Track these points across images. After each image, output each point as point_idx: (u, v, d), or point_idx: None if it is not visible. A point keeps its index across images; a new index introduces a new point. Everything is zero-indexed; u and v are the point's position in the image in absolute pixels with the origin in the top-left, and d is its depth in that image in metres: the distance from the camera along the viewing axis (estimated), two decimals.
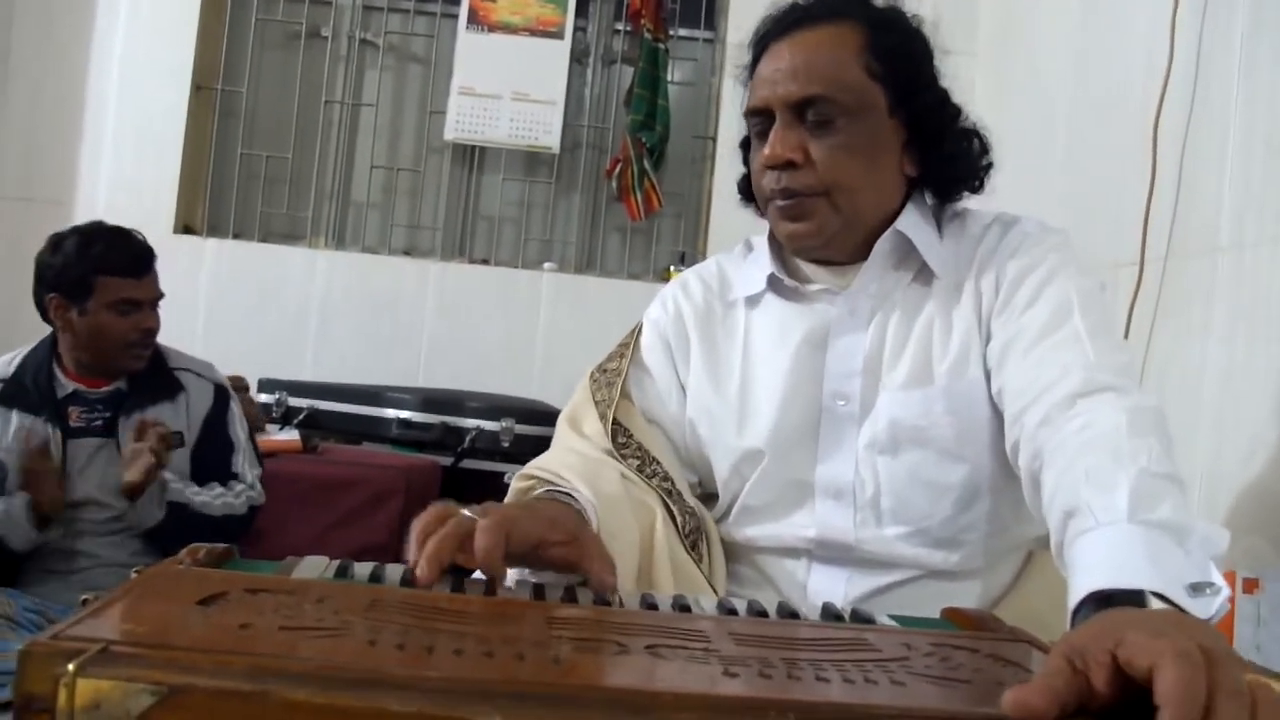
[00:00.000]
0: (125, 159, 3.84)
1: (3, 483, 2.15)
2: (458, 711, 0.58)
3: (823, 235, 1.19)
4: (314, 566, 0.90)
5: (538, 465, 1.18)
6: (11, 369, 2.24)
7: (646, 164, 3.91)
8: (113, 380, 2.27)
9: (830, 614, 0.90)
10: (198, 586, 0.76)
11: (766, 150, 1.18)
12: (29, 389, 2.20)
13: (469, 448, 3.20)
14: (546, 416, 3.35)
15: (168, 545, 2.21)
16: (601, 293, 3.84)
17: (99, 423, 2.19)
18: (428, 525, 0.89)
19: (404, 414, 3.26)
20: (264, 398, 3.30)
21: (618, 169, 3.94)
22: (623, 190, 3.94)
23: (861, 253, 1.21)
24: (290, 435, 3.03)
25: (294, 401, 3.32)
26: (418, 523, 0.90)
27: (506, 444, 3.21)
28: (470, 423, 3.23)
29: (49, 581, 2.16)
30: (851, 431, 1.19)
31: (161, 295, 2.29)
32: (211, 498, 2.23)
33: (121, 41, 3.87)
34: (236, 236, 3.98)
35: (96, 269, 2.20)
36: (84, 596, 0.71)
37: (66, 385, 2.24)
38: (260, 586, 0.77)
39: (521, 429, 3.22)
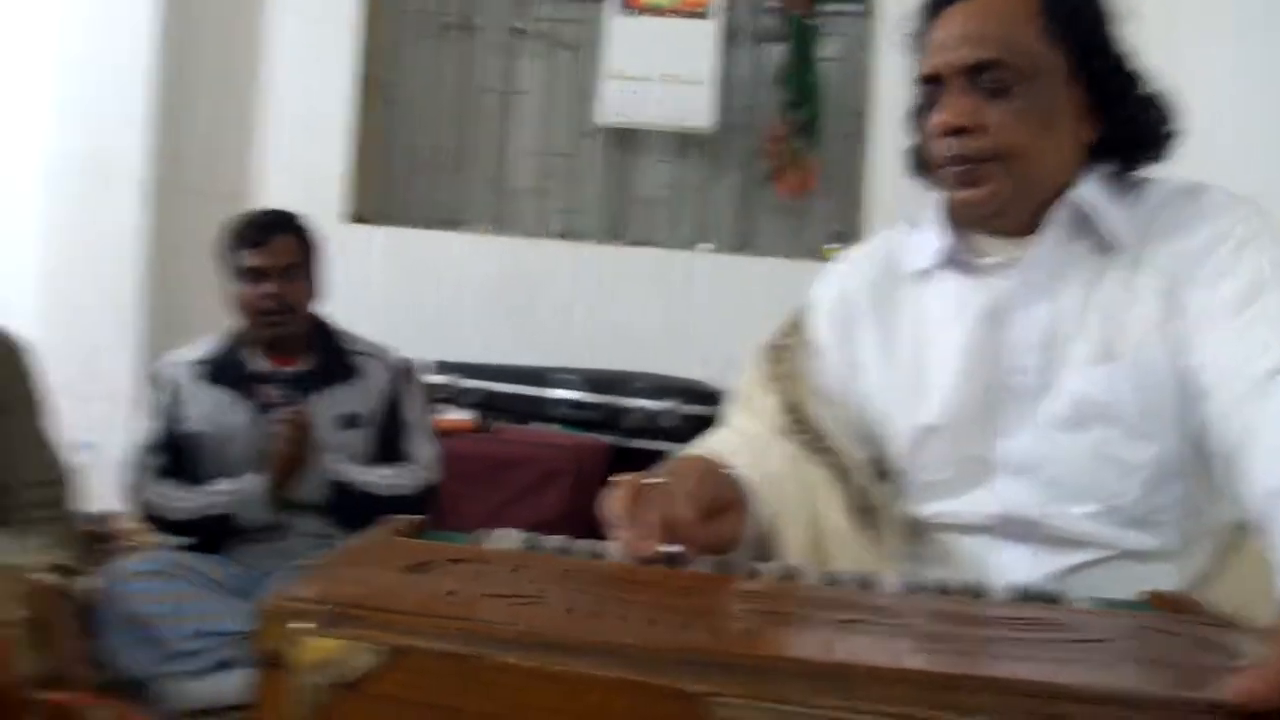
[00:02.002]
0: (296, 151, 4.03)
1: (207, 457, 2.30)
2: (660, 678, 0.60)
3: (996, 202, 1.16)
4: (505, 539, 0.93)
5: (706, 444, 1.19)
6: (211, 348, 2.40)
7: (800, 142, 3.87)
8: (297, 361, 2.39)
9: (1020, 593, 0.89)
10: (404, 555, 0.80)
11: (939, 117, 1.16)
12: (226, 367, 2.36)
13: (634, 427, 3.26)
14: (708, 396, 3.37)
15: (345, 522, 2.34)
16: (757, 272, 3.84)
17: (287, 401, 2.32)
18: (626, 499, 0.91)
19: (570, 394, 3.34)
20: (438, 379, 3.43)
21: (771, 148, 3.91)
22: (777, 169, 3.92)
23: (1035, 223, 1.18)
24: (463, 415, 3.14)
25: (466, 383, 3.44)
26: (615, 498, 0.92)
27: (670, 424, 3.25)
28: (634, 403, 3.28)
29: (252, 550, 2.30)
30: (1031, 407, 1.16)
31: (290, 264, 2.35)
32: (378, 478, 2.34)
33: (289, 36, 4.05)
34: (402, 224, 4.13)
35: (231, 244, 2.36)
36: (301, 562, 0.76)
37: (257, 364, 2.37)
38: (461, 556, 0.81)
39: (685, 409, 3.26)
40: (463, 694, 0.60)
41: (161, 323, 3.68)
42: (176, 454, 2.33)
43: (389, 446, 2.41)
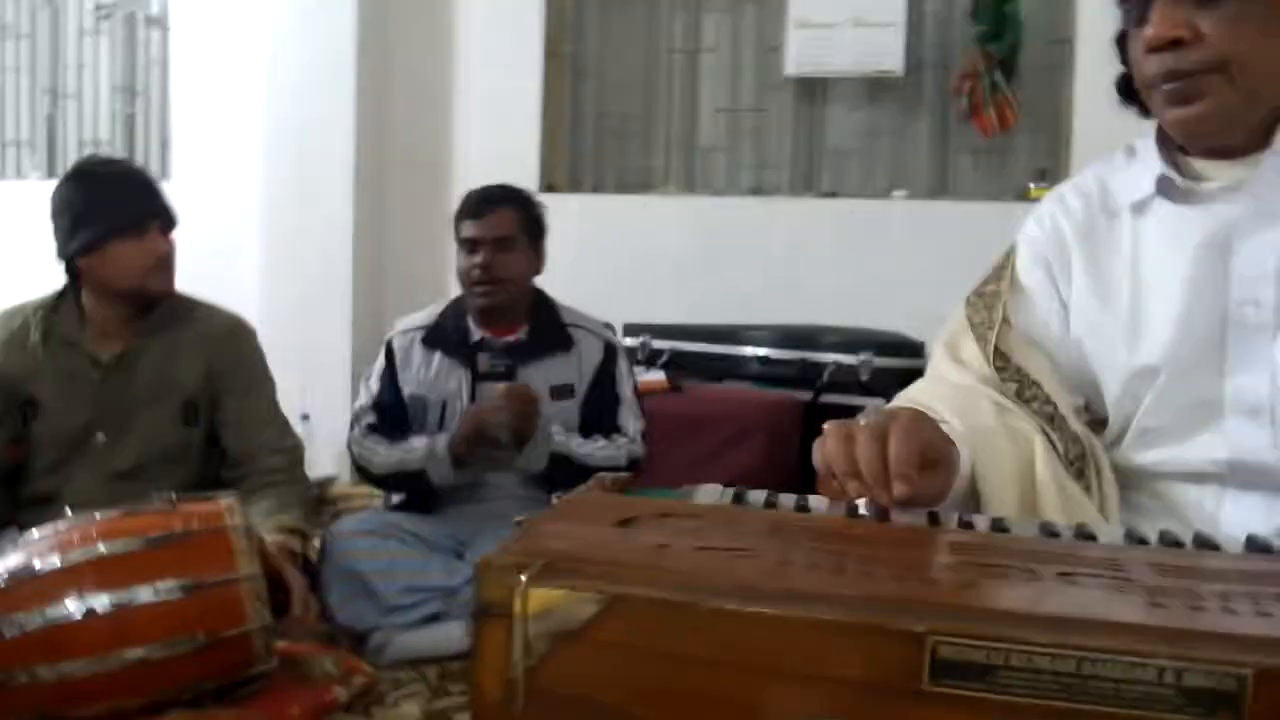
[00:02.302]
0: (490, 125, 4.14)
1: (423, 418, 2.43)
2: (884, 624, 0.59)
3: (1218, 117, 1.07)
4: (711, 494, 0.94)
5: (908, 397, 1.16)
6: (435, 316, 2.52)
7: (997, 76, 3.70)
8: (514, 330, 2.47)
9: (1256, 545, 0.83)
10: (614, 511, 0.82)
11: (1148, 32, 1.08)
12: (446, 333, 2.47)
13: (827, 382, 3.22)
14: (905, 348, 3.29)
15: (555, 490, 2.41)
16: (955, 218, 3.70)
17: (502, 369, 2.40)
18: (839, 448, 0.90)
19: (762, 351, 3.33)
20: (629, 341, 3.48)
21: (966, 86, 3.76)
22: (973, 107, 3.76)
23: (1262, 140, 1.09)
24: (656, 376, 3.18)
25: (657, 344, 3.48)
26: (827, 446, 0.91)
27: (865, 377, 3.19)
28: (828, 357, 3.24)
29: (459, 510, 2.41)
30: (1265, 342, 1.08)
31: (504, 237, 2.41)
32: (594, 449, 2.40)
33: (479, 14, 4.16)
34: (593, 191, 4.19)
35: (457, 214, 2.47)
36: (517, 519, 0.79)
37: (476, 333, 2.47)
38: (669, 511, 0.82)
39: (880, 361, 3.20)
40: (680, 640, 0.62)
41: (372, 294, 3.88)
42: (394, 414, 2.45)
43: (596, 418, 2.46)
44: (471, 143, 4.15)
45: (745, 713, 0.61)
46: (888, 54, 3.79)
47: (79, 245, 2.06)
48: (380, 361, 2.51)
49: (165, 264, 2.12)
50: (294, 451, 2.26)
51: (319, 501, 2.64)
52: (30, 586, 1.57)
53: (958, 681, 0.58)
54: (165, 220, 2.13)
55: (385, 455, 2.39)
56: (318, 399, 3.64)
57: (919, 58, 3.91)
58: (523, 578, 0.64)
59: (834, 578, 0.66)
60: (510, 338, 2.47)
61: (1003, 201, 3.70)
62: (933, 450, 0.95)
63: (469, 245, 2.42)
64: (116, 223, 2.05)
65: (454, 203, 3.79)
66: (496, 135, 4.12)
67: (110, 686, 1.59)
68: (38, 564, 1.59)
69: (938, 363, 1.28)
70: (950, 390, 1.16)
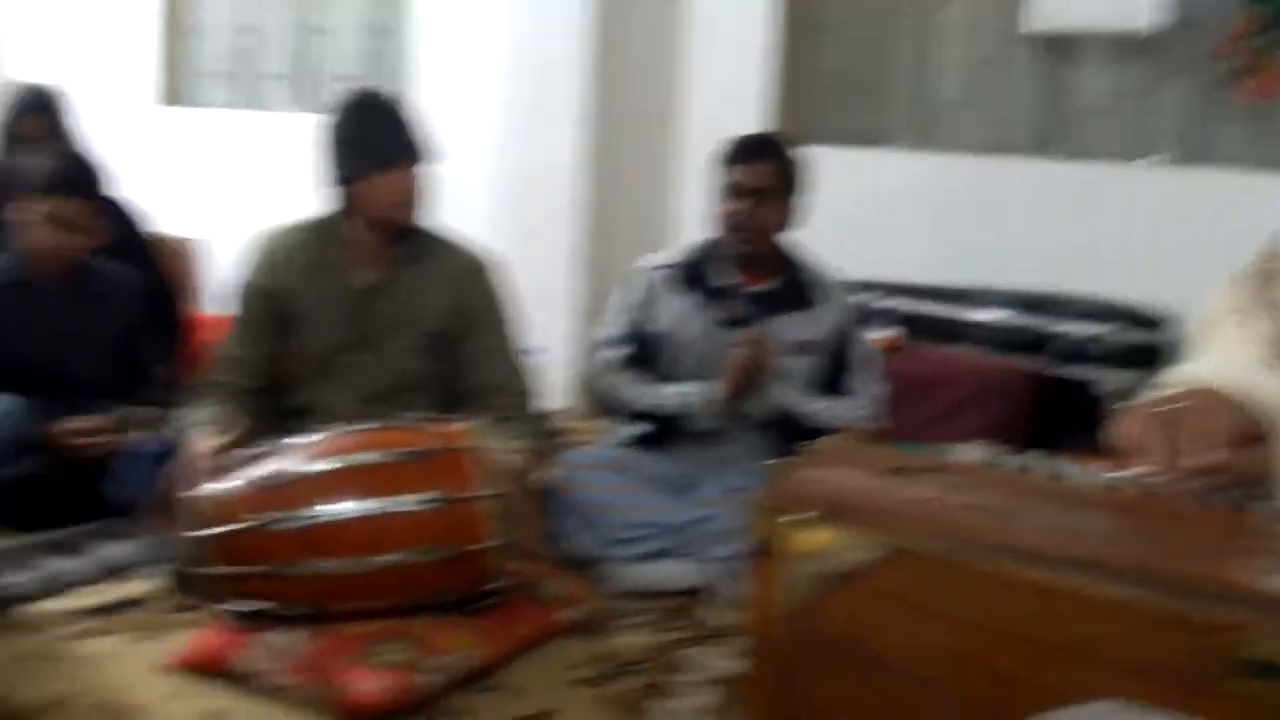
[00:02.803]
0: (720, 76, 4.12)
1: (661, 356, 2.46)
2: (1174, 604, 0.58)
3: None
4: (968, 452, 0.94)
5: (1184, 377, 1.11)
6: (685, 256, 2.55)
7: (1266, 38, 3.41)
8: (764, 280, 2.48)
9: None
10: (879, 460, 0.83)
11: None
12: (696, 275, 2.50)
13: (1062, 352, 3.08)
14: (1145, 321, 3.12)
15: (780, 445, 2.43)
16: (1213, 186, 3.45)
17: (744, 317, 2.42)
18: (1147, 427, 0.87)
19: (994, 316, 3.22)
20: (858, 298, 3.43)
21: (1233, 47, 3.47)
22: (1237, 70, 3.48)
23: None
24: (882, 334, 3.12)
25: (884, 302, 3.42)
26: (1133, 425, 0.89)
27: (1103, 351, 3.04)
28: (1066, 327, 3.10)
29: (690, 452, 2.45)
30: None
31: (765, 187, 2.39)
32: (821, 408, 2.39)
33: None
34: (824, 143, 4.13)
35: (720, 159, 2.45)
36: (769, 463, 0.81)
37: (726, 278, 2.50)
38: (933, 466, 0.82)
39: (1124, 335, 3.03)
40: (957, 599, 0.62)
41: (598, 237, 3.98)
42: (639, 350, 2.50)
43: (832, 378, 2.46)
44: (700, 93, 4.15)
45: (1017, 685, 0.61)
46: (1141, 9, 3.54)
47: (342, 174, 2.20)
48: (627, 297, 2.56)
49: (416, 198, 2.23)
50: (526, 389, 2.36)
51: (550, 433, 2.73)
52: (302, 487, 1.73)
53: (1265, 680, 0.55)
54: (422, 156, 2.24)
55: (638, 395, 2.44)
56: (546, 333, 3.78)
57: (1176, 15, 3.63)
58: (797, 519, 0.66)
59: (1127, 551, 0.65)
60: (759, 287, 2.48)
61: (1271, 171, 3.42)
62: (1247, 430, 0.91)
63: (732, 191, 2.43)
64: (374, 156, 2.18)
65: (681, 150, 3.83)
66: (726, 85, 4.10)
67: (365, 586, 1.73)
68: (308, 468, 1.74)
69: (1205, 342, 1.21)
70: (1234, 370, 1.10)
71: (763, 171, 2.41)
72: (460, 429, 1.87)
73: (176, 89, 4.93)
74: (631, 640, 2.01)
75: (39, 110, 3.04)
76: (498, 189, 4.01)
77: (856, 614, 0.64)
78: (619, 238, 3.98)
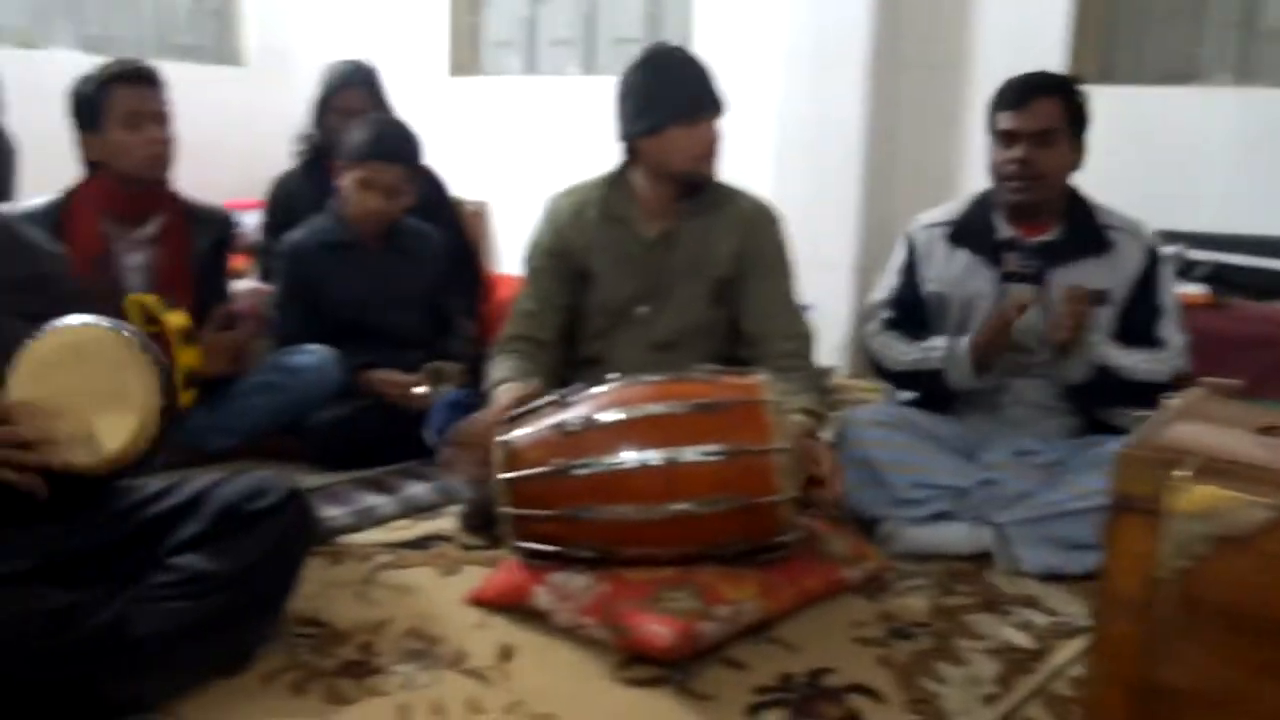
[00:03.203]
0: (1013, 16, 3.88)
1: (943, 317, 2.37)
2: None
3: None
4: None
5: None
6: (960, 211, 2.44)
7: None
8: (1047, 230, 2.34)
9: None
10: (1247, 417, 0.74)
11: None
12: (971, 230, 2.39)
13: None
14: None
15: (1087, 402, 2.27)
16: None
17: (1031, 270, 2.28)
18: None
19: None
20: (1164, 250, 3.16)
21: None
22: None
23: None
24: (1194, 289, 2.87)
25: (1195, 254, 3.14)
26: None
27: None
28: None
29: (973, 412, 2.36)
30: None
31: (1045, 129, 2.24)
32: (1137, 361, 2.22)
33: None
34: (1128, 82, 3.81)
35: (992, 104, 2.32)
36: (1138, 414, 0.74)
37: (1005, 230, 2.37)
38: None
39: None
40: None
41: (881, 190, 3.86)
42: (913, 311, 2.42)
43: (1134, 329, 2.28)
44: (991, 33, 3.92)
45: None
46: None
47: (640, 128, 2.23)
48: (901, 256, 2.47)
49: (713, 151, 2.24)
50: (805, 339, 2.33)
51: (825, 390, 2.69)
52: (595, 435, 1.77)
53: None
54: (718, 109, 2.24)
55: (903, 352, 2.37)
56: (821, 291, 3.73)
57: None
58: (1178, 474, 0.60)
59: None
60: (1042, 237, 2.32)
61: None
62: None
63: (1005, 137, 2.29)
64: (675, 110, 2.19)
65: (970, 100, 3.64)
66: (1018, 24, 3.85)
67: (655, 533, 1.77)
68: (601, 416, 1.79)
69: None
70: None
71: (1039, 113, 2.25)
72: (756, 381, 1.86)
73: (467, 59, 5.18)
74: (914, 603, 1.96)
75: (358, 83, 3.27)
76: (778, 143, 3.97)
77: (1248, 579, 0.57)
78: (902, 191, 3.86)
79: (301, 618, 1.77)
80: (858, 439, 2.26)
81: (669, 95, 2.20)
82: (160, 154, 2.43)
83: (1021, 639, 1.83)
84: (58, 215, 2.40)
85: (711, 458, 1.74)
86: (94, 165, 2.45)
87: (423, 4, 5.15)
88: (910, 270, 2.44)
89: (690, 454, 1.74)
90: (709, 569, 1.79)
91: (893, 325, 2.43)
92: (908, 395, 2.47)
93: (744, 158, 3.77)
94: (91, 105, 2.39)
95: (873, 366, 2.49)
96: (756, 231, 2.31)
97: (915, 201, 3.69)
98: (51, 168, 2.59)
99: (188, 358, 2.22)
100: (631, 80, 2.25)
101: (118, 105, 2.38)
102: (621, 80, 2.27)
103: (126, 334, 1.49)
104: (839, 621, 1.86)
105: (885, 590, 2.00)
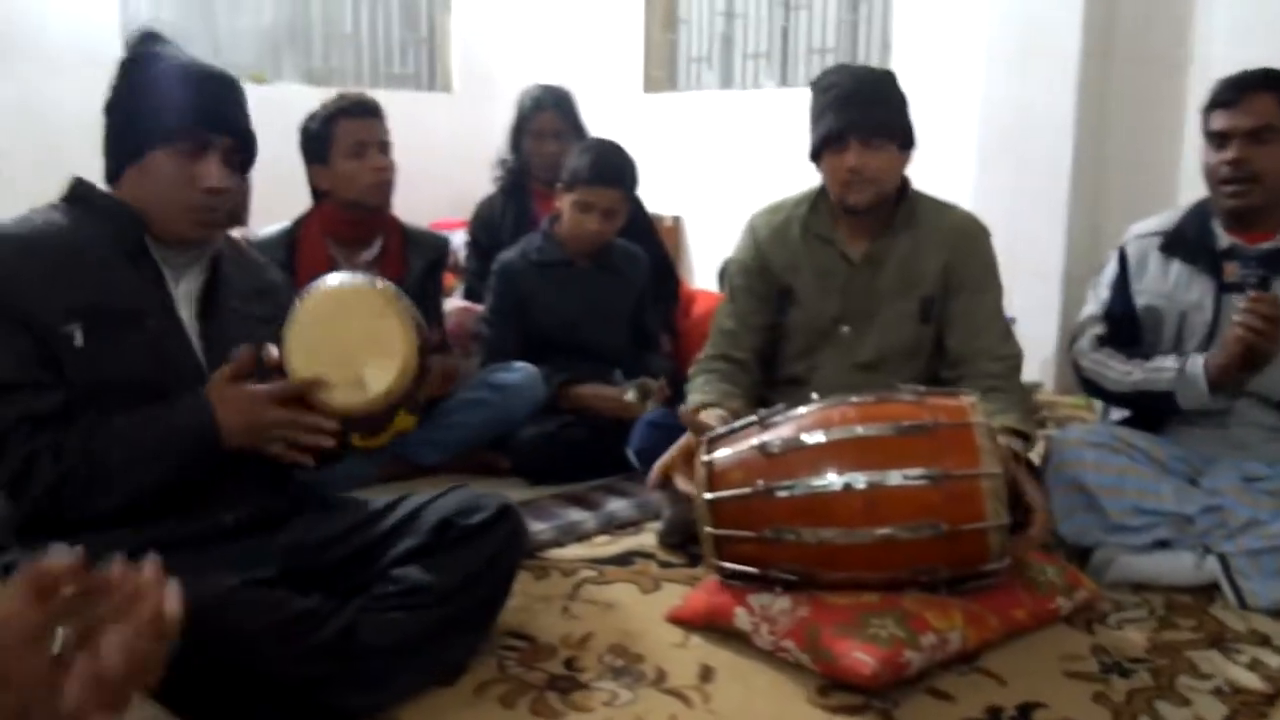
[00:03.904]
0: (1236, 2, 3.62)
1: (1158, 332, 2.24)
2: None
3: None
4: None
5: None
6: (1175, 220, 2.31)
7: None
8: (1271, 235, 2.18)
9: None
10: None
11: None
12: (1186, 239, 2.26)
13: None
14: None
15: None
16: None
17: (1254, 279, 2.13)
18: None
19: None
20: None
21: None
22: None
23: None
24: None
25: None
26: None
27: None
28: None
29: (1194, 433, 2.21)
30: None
31: (1261, 127, 2.10)
32: None
33: None
34: None
35: (1204, 105, 2.19)
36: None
37: (1224, 239, 2.22)
38: None
39: None
40: None
41: (1090, 198, 3.68)
42: (1126, 325, 2.30)
43: None
44: (1215, 28, 3.68)
45: None
46: None
47: (810, 154, 2.23)
48: (1112, 268, 2.36)
49: (857, 179, 2.15)
50: (1014, 359, 2.24)
51: (1033, 409, 2.59)
52: (798, 456, 1.76)
53: None
54: (866, 133, 2.15)
55: (1124, 372, 2.24)
56: (1026, 302, 3.59)
57: None
58: None
59: None
60: (1266, 244, 2.17)
61: None
62: None
63: (1218, 139, 2.15)
64: (823, 137, 2.16)
65: (1189, 96, 3.43)
66: (1246, 17, 3.60)
67: (857, 558, 1.74)
68: (805, 437, 1.77)
69: None
70: None
71: (1253, 110, 2.10)
72: (964, 403, 1.81)
73: (661, 76, 5.26)
74: (1131, 636, 1.87)
75: (552, 107, 3.38)
76: (979, 146, 3.85)
77: None
78: (1115, 195, 3.67)
79: (509, 630, 1.83)
80: (1069, 461, 2.16)
81: (822, 120, 2.18)
82: (382, 181, 2.58)
83: (1252, 680, 1.72)
84: (290, 241, 2.59)
85: (918, 482, 1.70)
86: (321, 194, 2.62)
87: (618, 25, 5.27)
88: (1122, 283, 2.32)
89: (896, 478, 1.71)
90: (914, 596, 1.75)
91: (1105, 341, 2.31)
92: (1121, 414, 2.35)
93: (943, 163, 3.69)
94: (319, 139, 2.56)
95: (1084, 385, 2.37)
96: (964, 247, 2.25)
97: (1129, 206, 3.51)
98: (281, 195, 2.79)
99: None
100: (810, 102, 2.24)
101: (343, 137, 2.54)
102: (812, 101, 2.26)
103: (380, 285, 1.63)
104: (1049, 654, 1.79)
105: (1099, 622, 1.91)
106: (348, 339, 1.59)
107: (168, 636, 0.76)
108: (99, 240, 1.58)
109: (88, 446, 1.48)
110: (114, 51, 4.08)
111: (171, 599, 0.77)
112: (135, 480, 1.51)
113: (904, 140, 2.20)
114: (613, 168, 2.84)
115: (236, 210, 2.79)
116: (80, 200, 1.63)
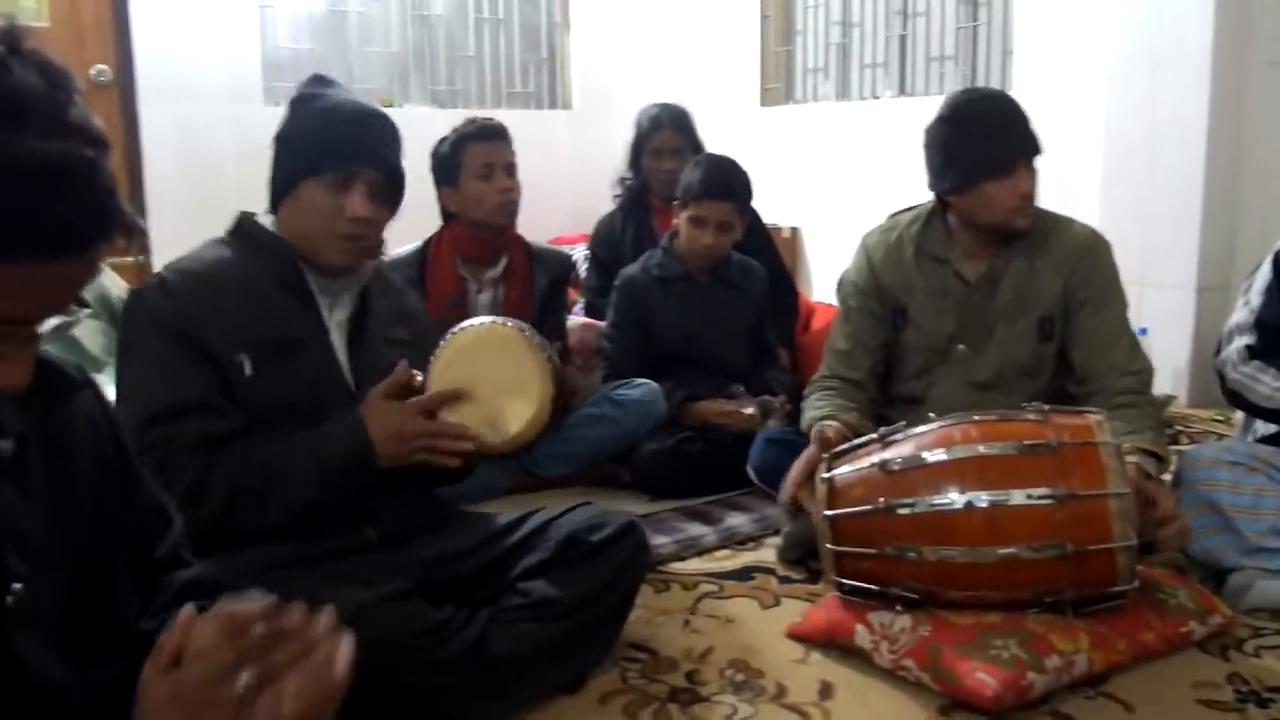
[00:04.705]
0: None
1: None
2: None
3: None
4: None
5: None
6: None
7: None
8: None
9: None
10: None
11: None
12: None
13: None
14: None
15: None
16: None
17: None
18: None
19: None
20: None
21: None
22: None
23: None
24: None
25: None
26: None
27: None
28: None
29: None
30: None
31: None
32: None
33: None
34: None
35: None
36: None
37: None
38: None
39: None
40: None
41: (1222, 204, 3.55)
42: (1276, 336, 2.22)
43: None
44: None
45: None
46: None
47: (948, 185, 2.19)
48: (1265, 274, 2.26)
49: (1029, 201, 2.15)
50: (1144, 373, 2.19)
51: (1164, 426, 2.51)
52: (920, 474, 1.77)
53: None
54: (1032, 152, 2.15)
55: (1274, 388, 2.16)
56: (1157, 313, 3.48)
57: None
58: None
59: None
60: None
61: None
62: None
63: None
64: (986, 164, 2.13)
65: None
66: None
67: (979, 577, 1.73)
68: (926, 455, 1.78)
69: None
70: None
71: None
72: (1090, 422, 1.79)
73: (777, 89, 5.26)
74: (1271, 664, 1.81)
75: (669, 124, 3.44)
76: (1106, 155, 3.75)
77: None
78: (1249, 203, 3.54)
79: (632, 642, 1.88)
80: (1203, 480, 2.10)
81: (977, 149, 2.14)
82: (508, 201, 2.68)
83: None
84: (421, 260, 2.71)
85: (1042, 501, 1.69)
86: (450, 215, 2.73)
87: (733, 39, 5.30)
88: (1276, 291, 2.23)
89: (1019, 497, 1.70)
90: (1038, 617, 1.74)
91: (1255, 352, 2.23)
92: (1264, 430, 2.26)
93: (1068, 174, 3.61)
94: (449, 163, 2.67)
95: (1229, 397, 2.29)
96: (1085, 263, 2.21)
97: (1266, 214, 3.39)
98: (407, 214, 2.89)
99: None
100: (937, 133, 2.21)
101: (471, 160, 2.65)
102: (927, 131, 2.23)
103: (526, 333, 1.74)
104: (1180, 680, 1.74)
105: (1235, 648, 1.85)
106: (488, 380, 1.69)
107: (339, 685, 0.82)
108: (261, 273, 1.69)
109: (256, 466, 1.58)
110: (256, 85, 4.39)
111: (345, 650, 0.82)
112: (297, 497, 1.60)
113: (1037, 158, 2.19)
114: (723, 182, 2.87)
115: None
116: (244, 234, 1.75)
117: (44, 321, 0.80)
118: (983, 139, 2.14)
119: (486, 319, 1.79)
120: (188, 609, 0.81)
